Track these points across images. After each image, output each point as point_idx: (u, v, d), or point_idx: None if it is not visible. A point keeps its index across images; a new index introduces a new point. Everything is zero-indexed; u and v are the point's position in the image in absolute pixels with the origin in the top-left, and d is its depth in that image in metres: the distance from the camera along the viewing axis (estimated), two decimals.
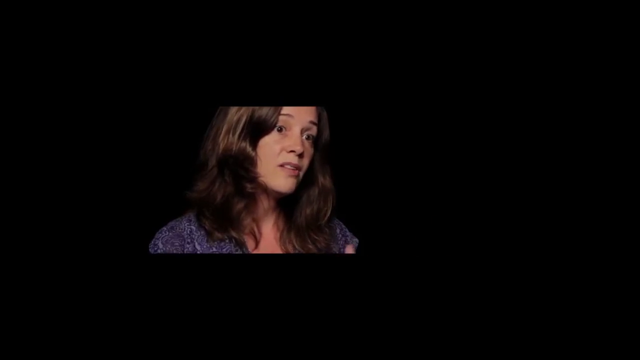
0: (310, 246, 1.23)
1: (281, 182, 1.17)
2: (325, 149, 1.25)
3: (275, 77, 1.30)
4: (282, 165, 1.17)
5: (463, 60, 1.36)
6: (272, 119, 1.16)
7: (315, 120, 1.20)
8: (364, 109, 1.48)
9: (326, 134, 1.24)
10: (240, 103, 1.19)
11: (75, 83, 1.32)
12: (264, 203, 1.22)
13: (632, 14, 1.31)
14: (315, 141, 1.22)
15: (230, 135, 1.17)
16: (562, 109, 1.37)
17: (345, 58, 1.33)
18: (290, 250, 1.23)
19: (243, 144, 1.17)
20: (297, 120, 1.17)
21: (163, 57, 1.32)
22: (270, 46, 1.32)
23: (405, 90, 1.37)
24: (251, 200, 1.21)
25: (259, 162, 1.17)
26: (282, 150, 1.17)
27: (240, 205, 1.19)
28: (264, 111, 1.16)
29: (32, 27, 1.29)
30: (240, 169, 1.17)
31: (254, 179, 1.17)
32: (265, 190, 1.19)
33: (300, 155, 1.17)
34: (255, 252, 1.21)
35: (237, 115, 1.18)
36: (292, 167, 1.17)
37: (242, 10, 1.31)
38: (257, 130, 1.17)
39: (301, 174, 1.20)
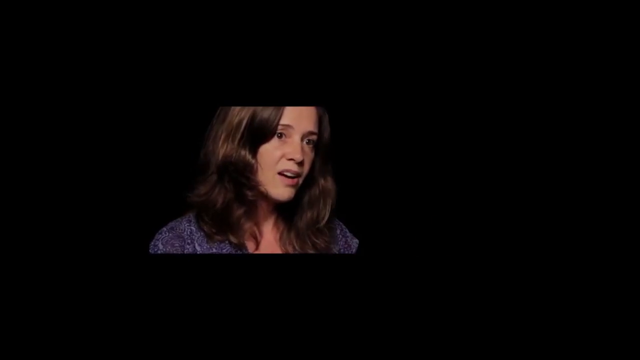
0: (310, 249, 1.23)
1: (279, 191, 1.17)
2: (326, 149, 1.24)
3: (275, 77, 1.30)
4: (281, 173, 1.16)
5: (463, 61, 1.36)
6: (272, 127, 1.15)
7: (315, 130, 1.19)
8: (364, 109, 1.48)
9: (327, 134, 1.23)
10: (240, 103, 1.18)
11: (76, 83, 1.32)
12: (264, 208, 1.22)
13: (632, 14, 1.31)
14: (316, 144, 1.21)
15: (230, 142, 1.16)
16: (562, 109, 1.37)
17: (345, 58, 1.33)
18: (290, 250, 1.23)
19: (243, 152, 1.16)
20: (297, 130, 1.16)
21: (163, 57, 1.32)
22: (271, 46, 1.32)
23: (405, 91, 1.37)
24: (252, 206, 1.20)
25: (259, 169, 1.16)
26: (283, 156, 1.16)
27: (240, 211, 1.18)
28: (264, 118, 1.15)
29: (32, 27, 1.29)
30: (241, 177, 1.16)
31: (254, 187, 1.17)
32: (266, 197, 1.19)
33: (300, 163, 1.16)
34: (255, 252, 1.21)
35: (237, 118, 1.16)
36: (291, 175, 1.17)
37: (242, 10, 1.31)
38: (257, 137, 1.15)
39: (300, 180, 1.19)
